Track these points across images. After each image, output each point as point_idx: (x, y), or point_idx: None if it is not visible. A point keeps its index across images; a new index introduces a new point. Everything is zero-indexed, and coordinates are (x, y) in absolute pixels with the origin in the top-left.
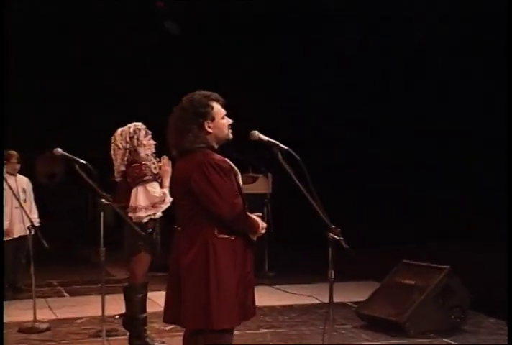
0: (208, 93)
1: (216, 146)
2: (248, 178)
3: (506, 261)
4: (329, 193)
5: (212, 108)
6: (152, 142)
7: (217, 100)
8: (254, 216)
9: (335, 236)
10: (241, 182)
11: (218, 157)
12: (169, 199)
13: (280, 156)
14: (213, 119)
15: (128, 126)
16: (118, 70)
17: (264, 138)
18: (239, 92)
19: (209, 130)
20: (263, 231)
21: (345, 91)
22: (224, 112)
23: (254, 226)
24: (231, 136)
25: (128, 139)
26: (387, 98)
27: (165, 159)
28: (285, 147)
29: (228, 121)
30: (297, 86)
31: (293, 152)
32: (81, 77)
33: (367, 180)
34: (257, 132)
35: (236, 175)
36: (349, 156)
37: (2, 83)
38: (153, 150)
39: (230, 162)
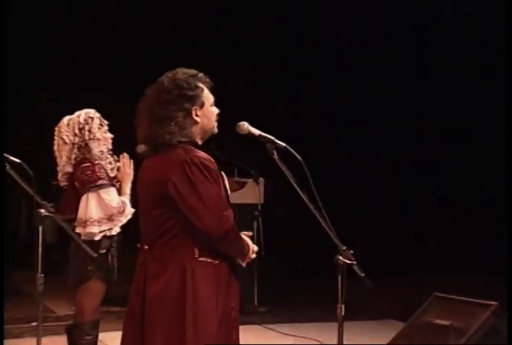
0: (194, 71)
1: (200, 142)
2: (233, 184)
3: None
4: (336, 204)
5: (202, 90)
6: (109, 136)
7: (205, 82)
8: (244, 236)
9: (346, 260)
10: (229, 190)
11: (203, 154)
12: (130, 210)
13: (275, 155)
14: (202, 105)
15: (77, 113)
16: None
17: (256, 131)
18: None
19: (197, 119)
20: (253, 256)
21: (345, 91)
22: (212, 98)
23: (245, 248)
24: (216, 130)
25: (77, 131)
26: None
27: (124, 158)
28: (283, 144)
29: (215, 109)
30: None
31: (292, 150)
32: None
33: (381, 191)
34: (246, 124)
35: (224, 179)
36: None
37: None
38: (110, 146)
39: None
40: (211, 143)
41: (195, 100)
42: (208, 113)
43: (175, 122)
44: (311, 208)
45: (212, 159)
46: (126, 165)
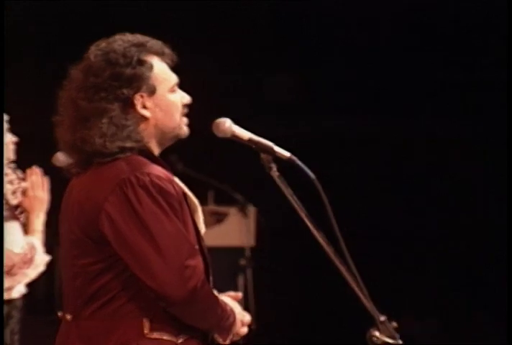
0: (142, 38)
1: (156, 149)
2: (207, 216)
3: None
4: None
5: (151, 68)
6: (12, 140)
7: (159, 55)
8: (225, 299)
9: (387, 339)
10: (202, 225)
11: (157, 170)
12: (42, 258)
13: (274, 170)
14: (152, 91)
15: None
16: None
17: (244, 134)
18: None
19: (145, 112)
20: (244, 330)
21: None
22: (174, 79)
23: (226, 317)
24: (186, 130)
25: None
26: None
27: (34, 174)
28: (286, 154)
29: (183, 97)
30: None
31: (301, 163)
32: None
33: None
34: (228, 121)
35: (194, 209)
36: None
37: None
38: (12, 156)
39: (179, 183)
40: (171, 152)
41: (138, 82)
42: (164, 102)
43: (108, 119)
44: (330, 253)
45: (172, 178)
46: (37, 186)
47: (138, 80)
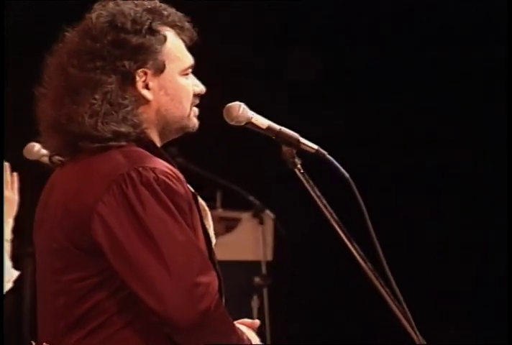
0: (160, 6)
1: (159, 140)
2: (216, 222)
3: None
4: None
5: (163, 40)
6: None
7: (177, 28)
8: (240, 327)
9: None
10: (212, 234)
11: (163, 165)
12: (11, 273)
13: (298, 166)
14: (161, 68)
15: None
16: None
17: (263, 121)
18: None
19: (145, 93)
20: None
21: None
22: (189, 61)
23: None
24: (196, 122)
25: None
26: None
27: (2, 170)
28: (314, 146)
29: (196, 85)
30: None
31: (331, 159)
32: None
33: None
34: (242, 106)
35: (203, 215)
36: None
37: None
38: None
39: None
40: (169, 143)
41: (145, 55)
42: (172, 85)
43: (102, 94)
44: (368, 271)
45: (180, 175)
46: (5, 185)
47: (145, 53)
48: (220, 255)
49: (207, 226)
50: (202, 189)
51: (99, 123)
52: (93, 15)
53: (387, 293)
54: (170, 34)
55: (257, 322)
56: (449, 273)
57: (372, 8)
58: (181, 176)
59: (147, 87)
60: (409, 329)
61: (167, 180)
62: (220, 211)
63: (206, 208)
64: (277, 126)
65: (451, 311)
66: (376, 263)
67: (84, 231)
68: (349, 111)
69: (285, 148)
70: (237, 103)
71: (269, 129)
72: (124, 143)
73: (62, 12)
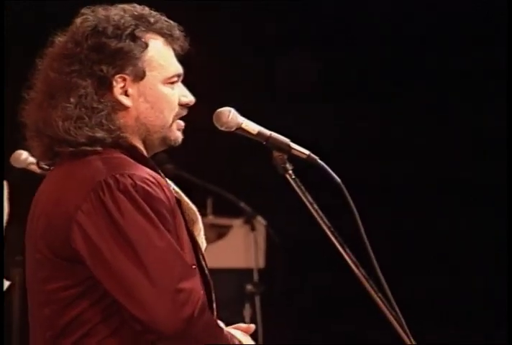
0: (150, 13)
1: (141, 147)
2: (207, 229)
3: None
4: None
5: (143, 47)
6: None
7: (165, 36)
8: (234, 332)
9: None
10: (202, 239)
11: (143, 171)
12: (2, 283)
13: (289, 171)
14: (140, 75)
15: None
16: None
17: (253, 127)
18: None
19: (122, 99)
20: None
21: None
22: (174, 70)
23: None
24: (179, 135)
25: None
26: None
27: None
28: (305, 152)
29: (184, 95)
30: None
31: (324, 164)
32: None
33: None
34: (232, 111)
35: (193, 219)
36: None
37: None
38: None
39: (173, 186)
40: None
41: (123, 61)
42: (153, 93)
43: (76, 98)
44: (362, 278)
45: (162, 182)
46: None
47: (123, 58)
48: (211, 262)
49: (196, 232)
50: (192, 196)
51: (71, 128)
52: (79, 19)
53: (380, 299)
54: (156, 41)
55: (253, 326)
56: (449, 273)
57: (372, 9)
58: (162, 182)
59: (126, 93)
60: (403, 336)
61: (145, 186)
62: (211, 218)
63: (197, 214)
64: (267, 132)
65: (451, 311)
66: (369, 268)
67: (64, 240)
68: (349, 111)
69: (276, 153)
70: (227, 108)
71: (259, 134)
72: (99, 148)
73: (62, 12)
